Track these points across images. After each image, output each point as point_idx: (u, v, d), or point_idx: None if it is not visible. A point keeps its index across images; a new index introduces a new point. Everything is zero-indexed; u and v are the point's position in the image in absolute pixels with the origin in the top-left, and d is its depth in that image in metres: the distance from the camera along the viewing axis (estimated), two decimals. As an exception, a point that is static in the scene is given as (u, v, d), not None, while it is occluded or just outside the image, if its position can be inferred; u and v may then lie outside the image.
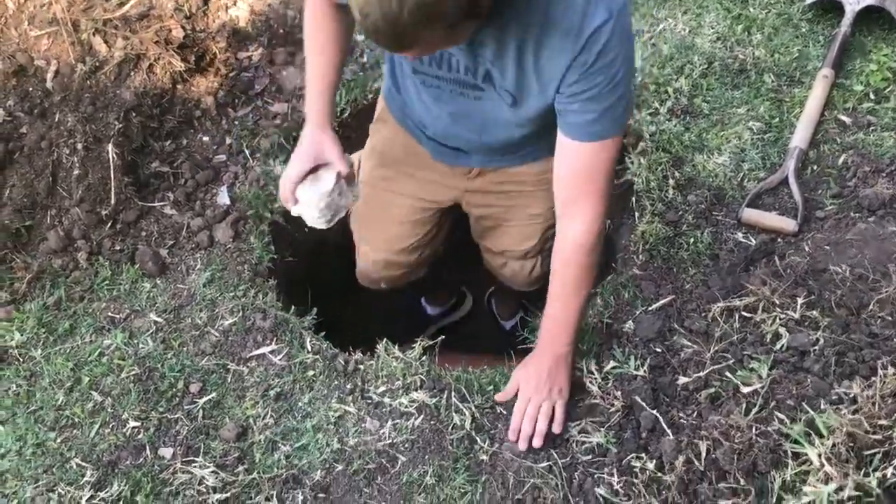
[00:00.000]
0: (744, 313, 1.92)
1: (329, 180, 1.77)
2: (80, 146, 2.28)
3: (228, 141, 2.51)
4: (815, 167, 2.30)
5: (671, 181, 2.31)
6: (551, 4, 1.38)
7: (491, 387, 2.00)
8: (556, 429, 1.83)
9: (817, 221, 2.17)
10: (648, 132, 2.43)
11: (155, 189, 2.40)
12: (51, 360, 2.07)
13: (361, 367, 2.05)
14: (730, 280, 2.07)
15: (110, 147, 2.28)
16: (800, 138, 2.32)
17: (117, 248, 2.28)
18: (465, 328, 3.09)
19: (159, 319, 2.15)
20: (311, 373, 2.03)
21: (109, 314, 2.17)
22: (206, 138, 2.52)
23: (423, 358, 2.04)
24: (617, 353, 1.99)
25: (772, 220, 2.17)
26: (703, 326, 1.98)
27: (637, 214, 2.29)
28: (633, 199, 2.33)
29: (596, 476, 1.78)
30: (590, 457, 1.82)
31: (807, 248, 2.06)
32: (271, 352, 2.08)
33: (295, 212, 1.81)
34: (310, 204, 1.77)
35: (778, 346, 1.80)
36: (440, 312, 3.08)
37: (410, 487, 1.84)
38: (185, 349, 2.09)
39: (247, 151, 2.50)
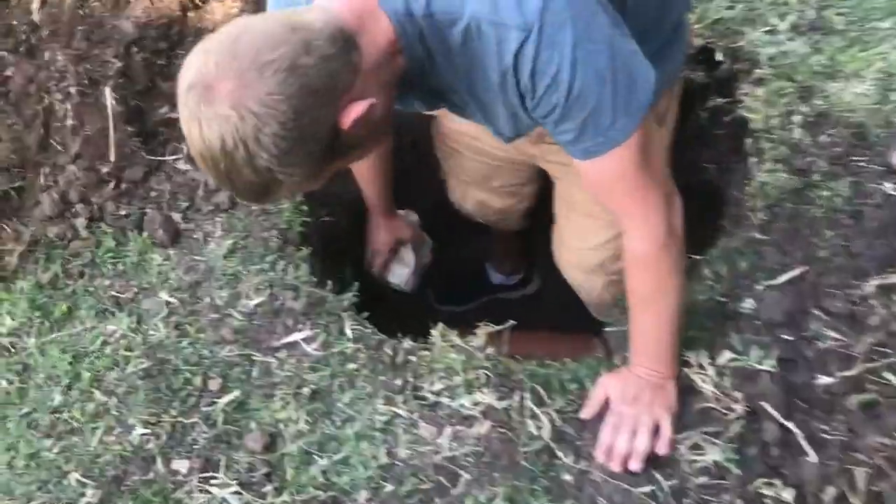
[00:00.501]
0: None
1: (410, 258, 2.20)
2: (73, 90, 1.91)
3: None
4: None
5: (796, 118, 1.83)
6: (465, 52, 1.12)
7: (575, 384, 1.61)
8: (662, 450, 1.44)
9: None
10: (766, 56, 1.94)
11: (165, 140, 2.02)
12: (46, 352, 1.74)
13: (413, 357, 1.67)
14: (880, 246, 1.62)
15: (107, 91, 1.90)
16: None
17: (122, 212, 1.92)
18: (525, 311, 2.59)
19: (172, 299, 1.80)
20: (351, 366, 1.66)
21: (113, 293, 1.83)
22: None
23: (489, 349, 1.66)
24: (734, 341, 1.57)
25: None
26: (849, 308, 1.55)
27: (754, 160, 1.83)
28: (748, 140, 1.87)
29: (717, 509, 1.39)
30: (704, 479, 1.43)
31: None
32: (304, 339, 1.71)
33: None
34: (402, 279, 2.20)
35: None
36: (504, 283, 2.68)
37: (477, 514, 1.48)
38: (202, 336, 1.74)
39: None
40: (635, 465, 1.43)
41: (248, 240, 1.88)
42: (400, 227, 2.15)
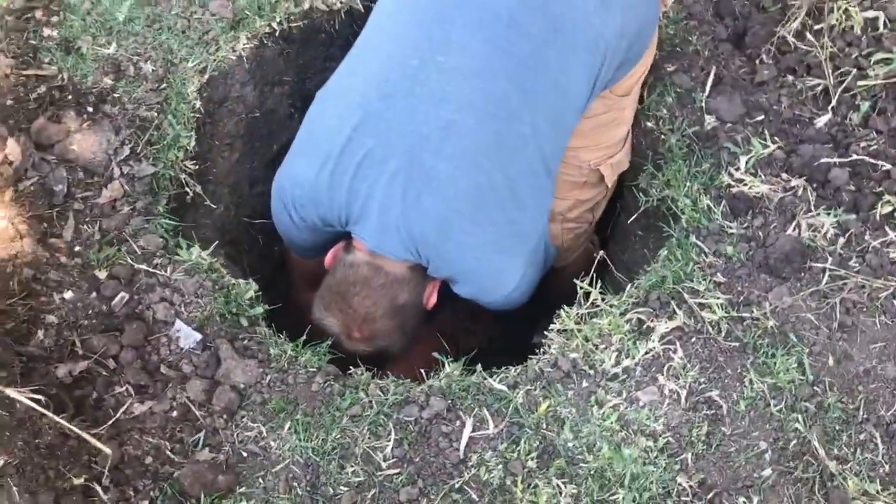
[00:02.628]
0: (815, 27, 1.81)
1: None
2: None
3: (102, 275, 1.59)
4: None
5: None
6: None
7: (689, 264, 1.66)
8: None
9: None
10: None
11: (96, 399, 1.45)
12: None
13: (573, 355, 1.56)
14: (735, 21, 1.93)
15: (10, 391, 1.30)
16: None
17: (146, 503, 1.37)
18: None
19: None
20: (543, 407, 1.49)
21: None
22: (68, 294, 1.56)
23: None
24: (734, 148, 1.77)
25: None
26: (780, 64, 1.84)
27: None
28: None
29: (871, 248, 1.61)
30: (842, 240, 1.63)
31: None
32: (475, 428, 1.47)
33: None
34: None
35: None
36: None
37: (756, 405, 1.49)
38: None
39: (142, 266, 1.61)
40: None
41: (303, 408, 1.49)
42: None
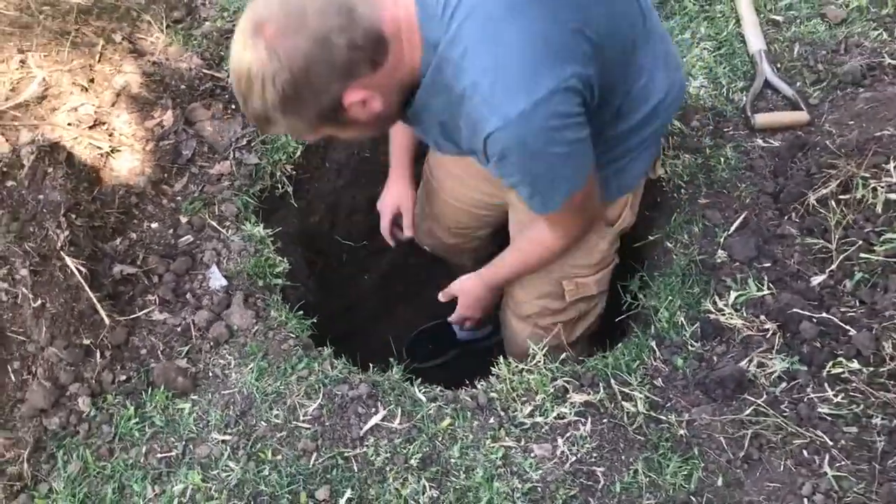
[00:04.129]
0: (840, 196, 1.90)
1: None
2: (24, 272, 1.75)
3: (184, 219, 2.07)
4: (777, 65, 2.37)
5: (669, 114, 2.26)
6: (453, 104, 1.40)
7: (637, 362, 1.80)
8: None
9: (819, 107, 2.23)
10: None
11: (130, 297, 1.90)
12: (118, 539, 1.55)
13: (493, 394, 1.76)
14: (784, 180, 2.06)
15: (69, 260, 1.77)
16: (757, 42, 2.37)
17: (123, 377, 1.77)
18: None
19: (228, 437, 1.69)
20: (445, 423, 1.70)
21: (160, 455, 1.67)
22: (154, 225, 2.05)
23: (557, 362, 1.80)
24: (730, 282, 1.89)
25: (784, 116, 2.19)
26: (804, 223, 1.93)
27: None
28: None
29: (807, 399, 1.66)
30: (784, 385, 1.69)
31: (835, 130, 2.10)
32: (384, 418, 1.72)
33: None
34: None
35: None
36: (470, 338, 2.81)
37: (630, 492, 1.59)
38: (280, 457, 1.66)
39: (214, 223, 2.07)
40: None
41: (269, 358, 1.83)
42: (402, 196, 2.19)
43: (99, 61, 2.18)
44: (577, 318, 2.04)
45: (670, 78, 1.68)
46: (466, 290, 2.06)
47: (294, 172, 2.29)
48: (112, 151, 2.08)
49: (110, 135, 2.09)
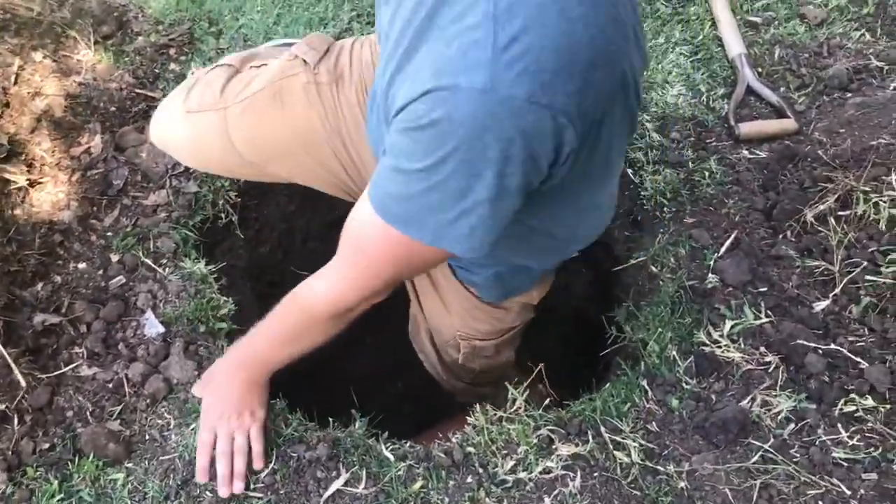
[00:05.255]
0: (840, 213, 1.75)
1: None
2: (-76, 329, 1.52)
3: (115, 258, 1.84)
4: (759, 70, 2.21)
5: (647, 125, 2.09)
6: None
7: (628, 404, 1.62)
8: (258, 464, 1.51)
9: (806, 114, 2.08)
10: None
11: (54, 350, 1.67)
12: None
13: (470, 448, 1.56)
14: (775, 195, 1.89)
15: (-23, 314, 1.54)
16: (736, 45, 2.22)
17: (45, 446, 1.54)
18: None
19: (168, 511, 1.47)
20: (416, 485, 1.50)
21: (88, 538, 1.45)
22: (81, 265, 1.82)
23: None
24: (724, 310, 1.72)
25: (771, 125, 2.04)
26: (801, 242, 1.77)
27: (639, 169, 2.04)
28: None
29: (819, 443, 1.49)
30: (793, 426, 1.52)
31: (826, 139, 1.95)
32: (347, 482, 1.51)
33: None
34: None
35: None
36: None
37: (629, 558, 1.41)
38: (230, 532, 1.45)
39: (149, 261, 1.85)
40: (238, 485, 1.47)
41: (214, 415, 1.61)
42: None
43: (15, 83, 1.95)
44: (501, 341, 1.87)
45: (600, 228, 1.55)
46: (220, 395, 1.54)
47: (239, 199, 2.08)
48: (31, 185, 1.85)
49: (29, 166, 1.86)
